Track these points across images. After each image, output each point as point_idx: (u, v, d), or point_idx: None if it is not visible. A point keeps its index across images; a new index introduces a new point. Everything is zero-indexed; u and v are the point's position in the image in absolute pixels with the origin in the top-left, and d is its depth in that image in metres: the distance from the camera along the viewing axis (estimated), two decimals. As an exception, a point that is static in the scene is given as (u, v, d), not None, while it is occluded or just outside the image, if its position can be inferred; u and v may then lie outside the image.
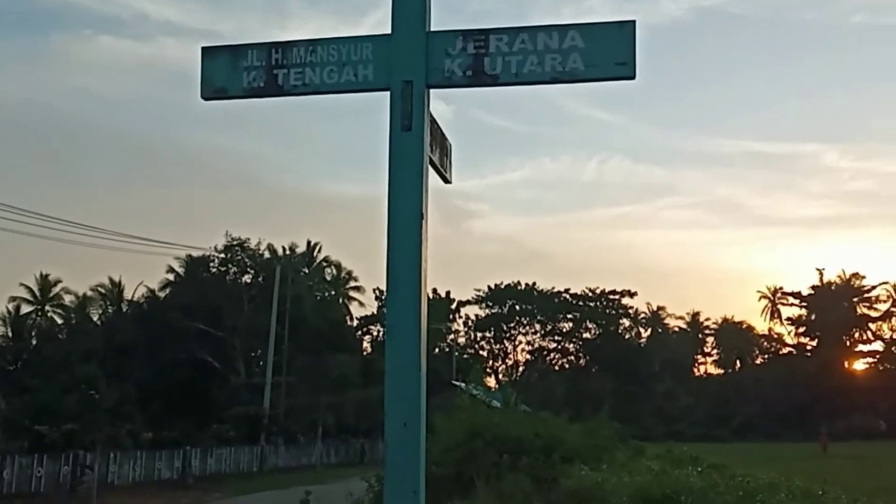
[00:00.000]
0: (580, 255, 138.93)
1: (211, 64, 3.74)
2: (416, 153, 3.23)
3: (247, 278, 51.22)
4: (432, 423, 15.54)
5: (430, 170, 3.60)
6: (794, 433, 63.11)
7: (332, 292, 64.49)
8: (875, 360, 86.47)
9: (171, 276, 49.21)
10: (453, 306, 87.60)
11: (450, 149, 3.85)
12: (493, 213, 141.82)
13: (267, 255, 53.32)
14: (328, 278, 66.34)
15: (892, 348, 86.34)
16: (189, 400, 40.43)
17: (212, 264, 49.96)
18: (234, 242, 49.48)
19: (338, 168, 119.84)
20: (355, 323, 70.46)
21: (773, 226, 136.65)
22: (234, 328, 45.33)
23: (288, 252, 58.42)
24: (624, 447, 17.27)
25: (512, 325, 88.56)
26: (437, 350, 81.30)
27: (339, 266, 66.48)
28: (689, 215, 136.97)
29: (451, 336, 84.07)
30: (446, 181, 3.84)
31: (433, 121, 3.52)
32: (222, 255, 49.55)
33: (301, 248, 62.14)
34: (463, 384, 35.25)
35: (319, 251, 64.73)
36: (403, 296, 3.07)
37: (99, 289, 54.30)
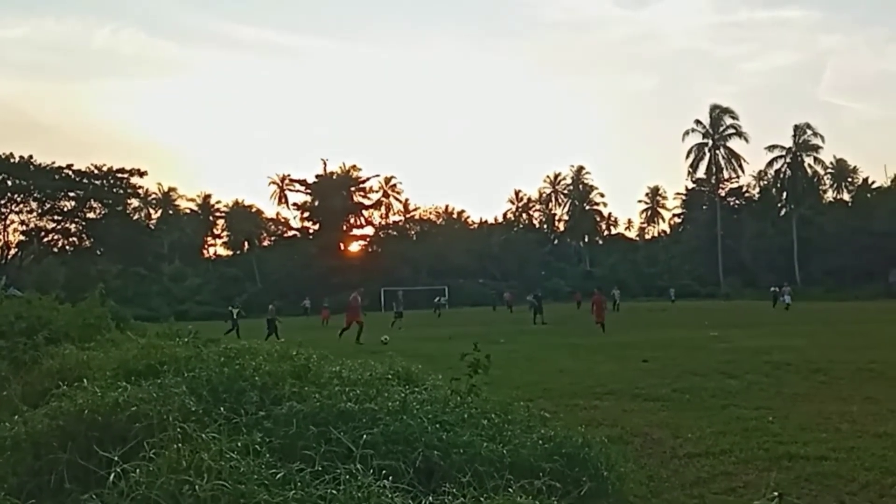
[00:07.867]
0: (87, 130, 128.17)
1: None
2: None
3: None
4: None
5: None
6: (297, 308, 68.60)
7: None
8: (366, 242, 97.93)
9: None
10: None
11: None
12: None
13: None
14: None
15: (380, 233, 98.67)
16: None
17: None
18: None
19: None
20: None
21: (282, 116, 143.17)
22: None
23: None
24: (123, 326, 16.98)
25: (2, 202, 78.51)
26: None
27: None
28: (202, 97, 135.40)
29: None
30: None
31: None
32: None
33: None
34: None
35: None
36: None
37: None
